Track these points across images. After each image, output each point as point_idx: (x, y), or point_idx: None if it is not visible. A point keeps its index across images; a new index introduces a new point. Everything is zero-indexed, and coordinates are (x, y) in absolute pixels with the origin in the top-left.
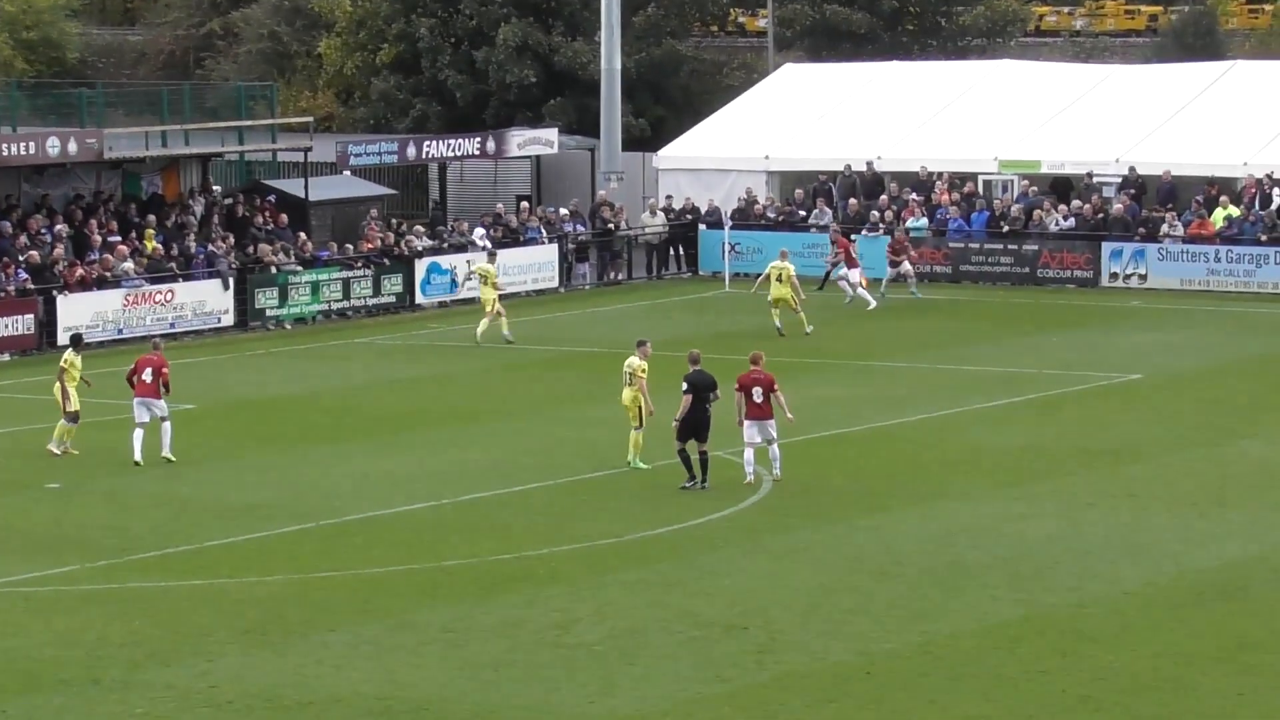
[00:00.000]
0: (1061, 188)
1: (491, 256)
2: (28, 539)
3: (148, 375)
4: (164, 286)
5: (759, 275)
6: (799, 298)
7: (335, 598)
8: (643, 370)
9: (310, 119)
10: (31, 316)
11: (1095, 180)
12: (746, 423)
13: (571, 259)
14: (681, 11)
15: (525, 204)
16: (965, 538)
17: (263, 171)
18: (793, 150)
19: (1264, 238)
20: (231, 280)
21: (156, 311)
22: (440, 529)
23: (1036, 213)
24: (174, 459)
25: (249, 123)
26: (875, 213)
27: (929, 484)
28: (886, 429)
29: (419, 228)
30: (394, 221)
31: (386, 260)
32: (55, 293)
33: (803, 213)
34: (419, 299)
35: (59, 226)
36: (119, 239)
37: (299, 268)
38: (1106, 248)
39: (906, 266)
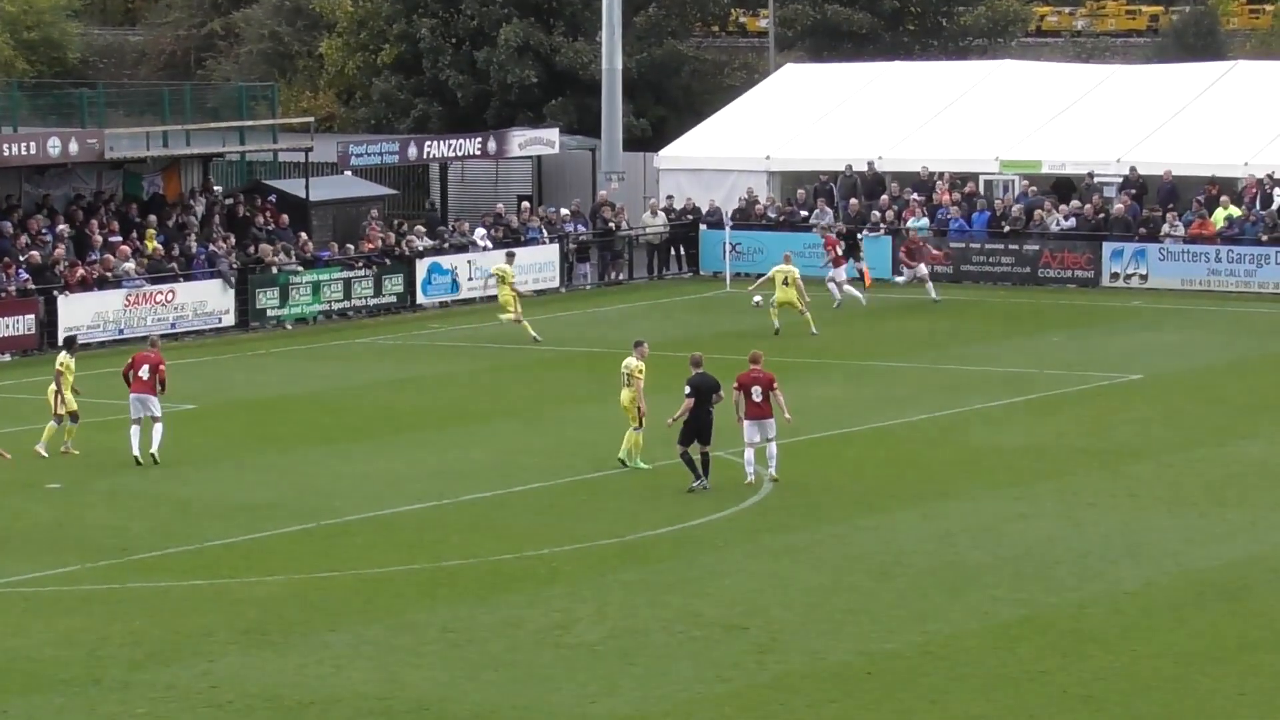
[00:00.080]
0: (1062, 188)
1: (510, 257)
2: (28, 539)
3: (144, 372)
4: (165, 287)
5: (759, 276)
6: (805, 300)
7: (335, 598)
8: (640, 371)
9: (311, 119)
10: (32, 317)
11: (1096, 180)
12: (746, 422)
13: (572, 259)
14: (682, 12)
15: (526, 204)
16: (965, 538)
17: (264, 172)
18: (794, 150)
19: (1265, 238)
20: (232, 280)
21: (157, 312)
22: (440, 529)
23: (1037, 213)
24: (159, 460)
25: (250, 123)
26: (876, 213)
27: (929, 484)
28: (887, 429)
29: (420, 228)
30: (395, 222)
31: (387, 260)
32: (56, 293)
33: (804, 213)
34: (420, 299)
35: (60, 227)
36: (120, 239)
37: (300, 268)
38: (1107, 248)
39: (923, 270)
